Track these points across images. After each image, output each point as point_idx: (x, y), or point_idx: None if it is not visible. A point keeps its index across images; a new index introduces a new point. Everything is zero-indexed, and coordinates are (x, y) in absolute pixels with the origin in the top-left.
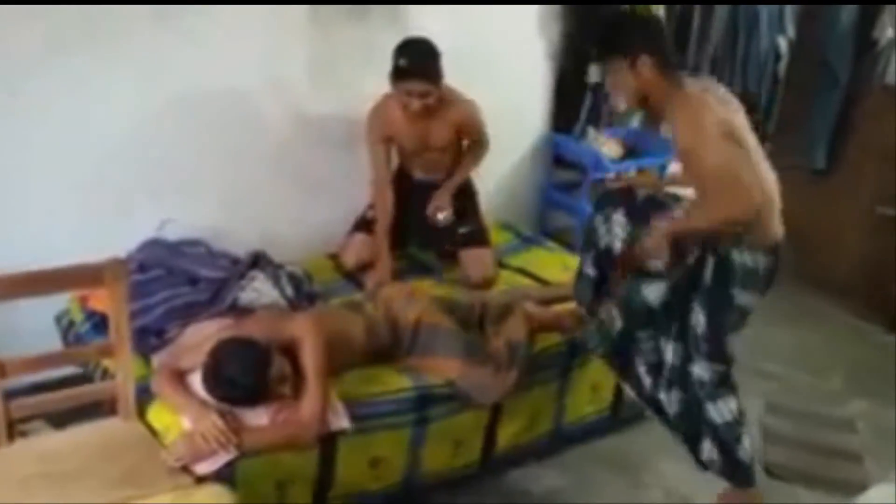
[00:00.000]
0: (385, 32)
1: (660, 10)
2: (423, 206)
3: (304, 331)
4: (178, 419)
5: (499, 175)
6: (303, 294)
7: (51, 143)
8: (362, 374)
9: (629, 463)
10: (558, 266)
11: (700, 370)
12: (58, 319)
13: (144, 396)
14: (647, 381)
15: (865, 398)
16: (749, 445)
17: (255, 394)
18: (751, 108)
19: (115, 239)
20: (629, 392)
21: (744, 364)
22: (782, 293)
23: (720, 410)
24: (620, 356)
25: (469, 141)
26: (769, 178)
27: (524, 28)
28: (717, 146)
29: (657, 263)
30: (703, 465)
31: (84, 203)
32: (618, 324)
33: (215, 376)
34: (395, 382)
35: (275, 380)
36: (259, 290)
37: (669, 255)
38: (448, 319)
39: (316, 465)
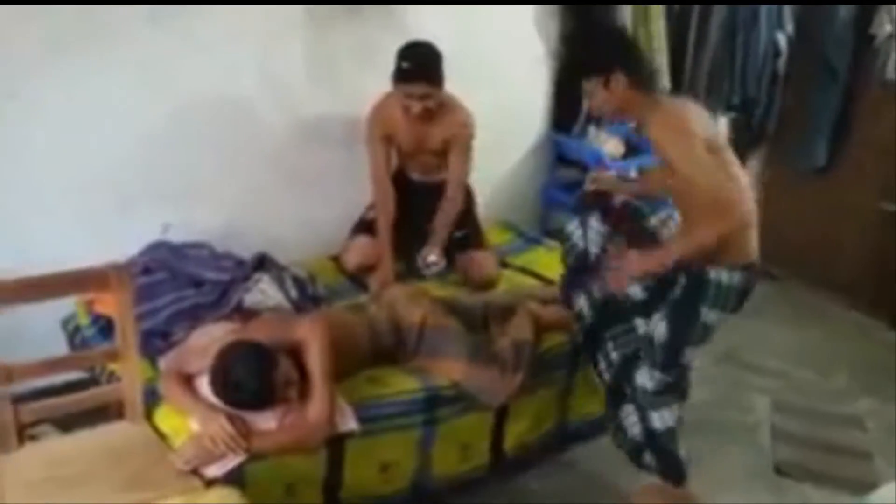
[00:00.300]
0: (383, 32)
1: (659, 8)
2: (421, 206)
3: (310, 334)
4: (185, 422)
5: (500, 174)
6: (307, 296)
7: (51, 146)
8: (369, 375)
9: None
10: (560, 265)
11: (643, 378)
12: (64, 324)
13: (151, 399)
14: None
15: (872, 395)
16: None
17: (262, 397)
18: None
19: (118, 243)
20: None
21: (749, 362)
22: (785, 291)
23: (663, 417)
24: (588, 349)
25: (451, 156)
26: (748, 194)
27: (523, 26)
28: (700, 158)
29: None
30: (642, 466)
31: (86, 206)
32: (587, 320)
33: (222, 380)
34: (404, 383)
35: (281, 383)
36: (264, 292)
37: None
38: (452, 321)
39: (324, 468)
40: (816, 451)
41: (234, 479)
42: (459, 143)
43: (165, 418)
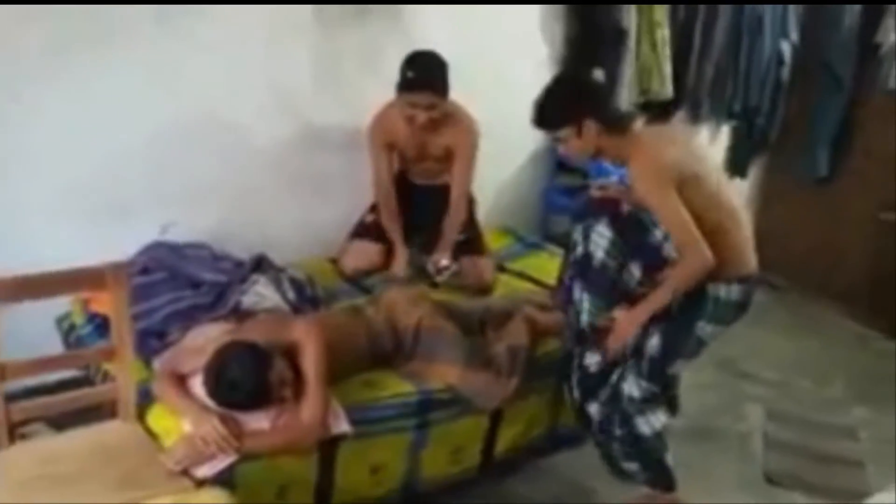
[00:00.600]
0: (387, 37)
1: (663, 15)
2: (423, 209)
3: (306, 335)
4: (177, 422)
5: (501, 179)
6: (305, 298)
7: (52, 147)
8: (364, 378)
9: None
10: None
11: (629, 387)
12: (59, 322)
13: (145, 400)
14: (577, 392)
15: (867, 405)
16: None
17: (256, 398)
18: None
19: (118, 242)
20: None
21: (745, 371)
22: (784, 300)
23: (650, 422)
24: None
25: (455, 164)
26: (740, 212)
27: (526, 31)
28: (669, 200)
29: None
30: (623, 475)
31: (86, 206)
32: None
33: (216, 380)
34: (398, 387)
35: (276, 384)
36: (261, 293)
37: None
38: (449, 324)
39: (316, 470)
40: (808, 460)
41: (224, 479)
42: (464, 151)
43: (158, 418)
